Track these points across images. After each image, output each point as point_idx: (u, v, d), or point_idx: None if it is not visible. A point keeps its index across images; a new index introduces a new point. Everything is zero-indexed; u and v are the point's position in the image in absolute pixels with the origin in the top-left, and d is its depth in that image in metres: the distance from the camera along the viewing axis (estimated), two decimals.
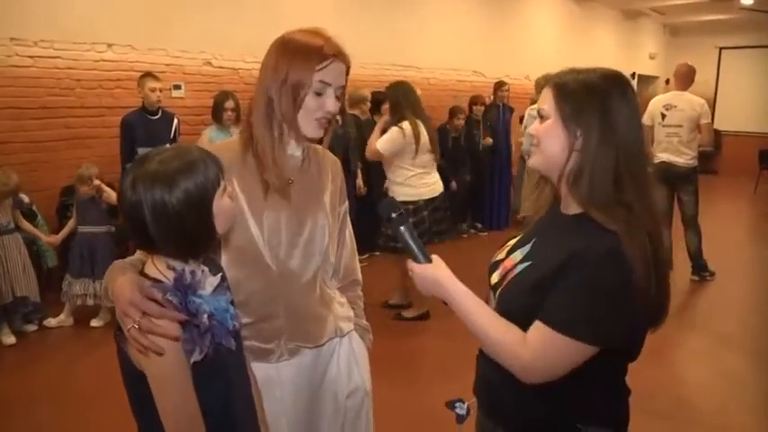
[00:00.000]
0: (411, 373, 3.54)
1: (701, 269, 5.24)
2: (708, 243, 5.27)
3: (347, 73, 1.40)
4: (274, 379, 1.41)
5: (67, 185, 4.54)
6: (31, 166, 4.52)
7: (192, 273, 1.08)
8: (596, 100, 1.13)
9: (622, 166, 1.11)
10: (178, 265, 1.09)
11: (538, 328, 1.10)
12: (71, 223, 4.16)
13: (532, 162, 1.24)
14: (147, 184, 1.02)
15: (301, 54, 1.33)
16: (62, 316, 4.09)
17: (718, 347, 3.95)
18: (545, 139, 1.18)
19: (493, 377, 1.24)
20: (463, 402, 1.36)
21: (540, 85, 5.64)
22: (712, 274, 5.28)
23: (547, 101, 1.19)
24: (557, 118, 1.16)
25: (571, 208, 1.19)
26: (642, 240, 1.07)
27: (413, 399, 3.11)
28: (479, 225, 7.05)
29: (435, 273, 1.21)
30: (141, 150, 4.11)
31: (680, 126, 5.02)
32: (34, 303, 3.96)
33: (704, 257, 5.23)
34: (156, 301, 1.02)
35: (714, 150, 11.26)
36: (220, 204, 1.09)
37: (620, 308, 1.07)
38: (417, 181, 4.15)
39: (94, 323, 4.09)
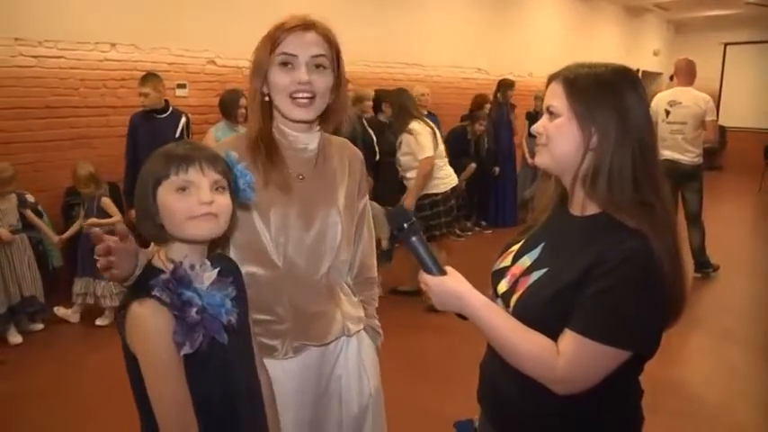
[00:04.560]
0: (418, 372, 3.54)
1: (703, 266, 5.20)
2: (712, 239, 5.24)
3: (332, 46, 1.37)
4: (279, 376, 1.40)
5: (72, 185, 4.55)
6: (36, 165, 4.53)
7: (192, 266, 1.09)
8: (611, 96, 1.08)
9: (639, 163, 1.07)
10: (178, 256, 1.11)
11: (570, 337, 1.04)
12: (77, 225, 4.17)
13: (540, 161, 1.17)
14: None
15: (265, 36, 1.38)
16: (69, 311, 4.13)
17: (723, 343, 3.93)
18: (557, 138, 1.12)
19: (504, 386, 1.19)
20: (472, 422, 1.31)
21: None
22: (716, 268, 5.25)
23: (557, 97, 1.12)
24: (570, 116, 1.10)
25: (587, 209, 1.13)
26: (667, 238, 1.04)
27: (417, 398, 3.12)
28: (483, 223, 7.05)
29: (455, 286, 1.14)
30: (144, 150, 4.12)
31: (684, 123, 4.94)
32: (40, 303, 3.98)
33: (707, 254, 5.19)
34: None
35: (719, 147, 11.23)
36: (166, 199, 1.10)
37: (653, 309, 1.03)
38: (437, 173, 4.27)
39: (99, 322, 4.10)
